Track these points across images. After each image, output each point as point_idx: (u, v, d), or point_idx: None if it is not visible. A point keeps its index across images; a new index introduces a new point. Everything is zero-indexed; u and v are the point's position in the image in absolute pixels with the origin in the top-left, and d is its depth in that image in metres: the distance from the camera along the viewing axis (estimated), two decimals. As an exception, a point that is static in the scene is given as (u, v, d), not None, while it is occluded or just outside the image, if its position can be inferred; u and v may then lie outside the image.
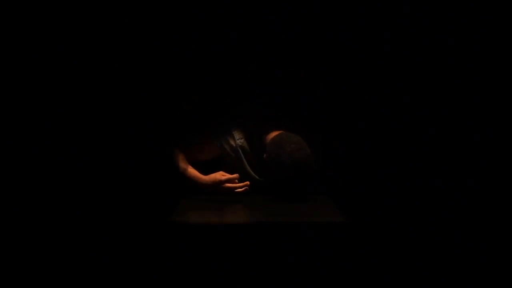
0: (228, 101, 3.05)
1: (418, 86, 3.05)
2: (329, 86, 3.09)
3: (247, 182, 2.92)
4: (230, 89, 3.07)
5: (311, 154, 2.86)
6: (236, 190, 2.90)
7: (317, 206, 2.85)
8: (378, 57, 3.05)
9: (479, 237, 2.92)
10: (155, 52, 2.99)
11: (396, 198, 3.05)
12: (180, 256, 2.47)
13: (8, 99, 2.91)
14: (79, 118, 2.95)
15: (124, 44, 2.96)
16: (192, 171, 2.94)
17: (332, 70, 3.08)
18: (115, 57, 2.96)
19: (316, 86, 3.10)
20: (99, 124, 2.97)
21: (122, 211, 2.93)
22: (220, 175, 2.91)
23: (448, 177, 3.04)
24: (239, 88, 3.07)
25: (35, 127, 2.92)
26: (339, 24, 3.02)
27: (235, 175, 2.91)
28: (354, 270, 2.57)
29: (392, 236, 2.93)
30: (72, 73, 2.94)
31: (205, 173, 2.94)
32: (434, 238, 2.93)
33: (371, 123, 3.09)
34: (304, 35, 3.04)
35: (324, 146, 3.08)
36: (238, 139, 2.99)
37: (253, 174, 2.99)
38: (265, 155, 2.90)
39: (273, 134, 2.96)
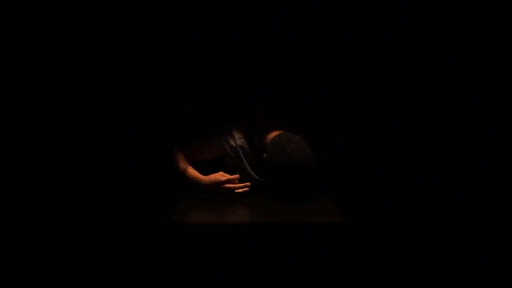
0: (228, 101, 3.05)
1: (418, 86, 3.05)
2: (329, 86, 3.09)
3: (248, 183, 2.92)
4: (230, 89, 3.07)
5: (311, 154, 2.86)
6: (236, 191, 2.90)
7: (317, 206, 2.86)
8: (378, 57, 3.05)
9: (479, 237, 2.92)
10: (155, 52, 2.99)
11: (396, 198, 3.05)
12: (180, 256, 2.47)
13: (8, 99, 2.90)
14: (79, 118, 2.95)
15: (124, 44, 2.96)
16: (192, 171, 2.94)
17: (332, 70, 3.08)
18: (115, 57, 2.96)
19: (316, 86, 3.10)
20: (99, 124, 2.97)
21: (122, 211, 2.93)
22: (220, 176, 2.91)
23: (448, 177, 3.04)
24: (239, 88, 3.07)
25: (35, 127, 2.92)
26: (339, 24, 3.02)
27: (235, 176, 2.91)
28: (354, 270, 2.57)
29: (392, 236, 2.92)
30: (72, 73, 2.94)
31: (205, 173, 2.94)
32: (434, 238, 2.93)
33: (371, 123, 3.09)
34: (304, 35, 3.04)
35: (324, 146, 3.08)
36: (238, 139, 2.99)
37: (253, 174, 2.99)
38: (265, 155, 2.90)
39: (273, 134, 2.96)
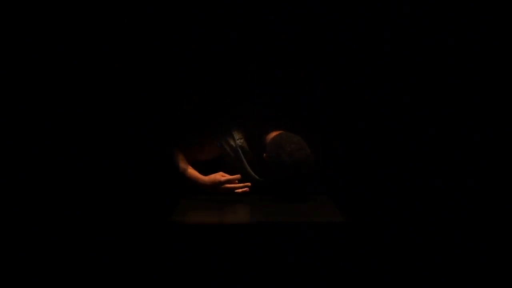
0: (228, 101, 3.05)
1: (418, 86, 3.05)
2: (329, 86, 3.09)
3: (248, 184, 2.92)
4: (230, 89, 3.07)
5: (311, 154, 2.86)
6: (236, 191, 2.90)
7: (317, 206, 2.86)
8: (378, 57, 3.04)
9: (479, 237, 2.92)
10: (155, 52, 2.99)
11: (396, 198, 3.05)
12: (180, 256, 2.47)
13: (8, 99, 2.90)
14: (79, 118, 2.95)
15: (124, 44, 2.96)
16: (192, 171, 2.94)
17: (332, 70, 3.07)
18: (115, 57, 2.96)
19: (316, 86, 3.10)
20: (99, 124, 2.97)
21: (122, 211, 2.93)
22: (220, 176, 2.91)
23: (448, 177, 3.04)
24: (239, 88, 3.07)
25: (35, 127, 2.92)
26: (339, 24, 3.02)
27: (236, 176, 2.91)
28: (354, 270, 2.57)
29: (392, 236, 2.92)
30: (72, 73, 2.94)
31: (205, 173, 2.94)
32: (434, 238, 2.93)
33: (371, 123, 3.09)
34: (304, 35, 3.04)
35: (324, 146, 3.08)
36: (238, 139, 2.99)
37: (253, 174, 2.99)
38: (264, 155, 2.90)
39: (273, 134, 2.96)
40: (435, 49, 3.01)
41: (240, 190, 2.90)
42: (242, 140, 3.00)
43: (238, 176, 2.91)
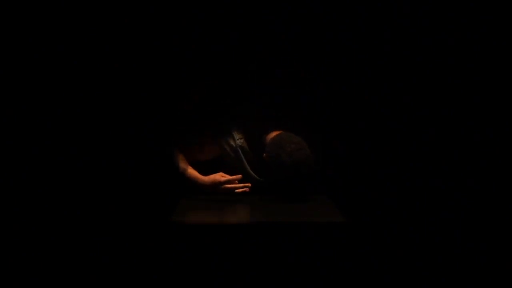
0: (228, 101, 3.05)
1: (418, 86, 3.05)
2: (329, 86, 3.09)
3: (248, 184, 2.92)
4: (230, 89, 3.07)
5: (311, 154, 2.86)
6: (235, 191, 2.90)
7: (317, 206, 2.86)
8: (378, 57, 3.04)
9: (479, 237, 2.92)
10: (155, 52, 2.99)
11: (396, 198, 3.05)
12: (180, 256, 2.47)
13: (8, 99, 2.90)
14: (79, 118, 2.95)
15: (124, 44, 2.96)
16: (191, 171, 2.94)
17: (332, 70, 3.07)
18: (115, 57, 2.96)
19: (316, 86, 3.10)
20: (99, 124, 2.97)
21: (122, 211, 2.93)
22: (220, 176, 2.91)
23: (448, 177, 3.04)
24: (239, 88, 3.07)
25: (35, 127, 2.92)
26: (339, 24, 3.02)
27: (236, 177, 2.90)
28: (354, 270, 2.57)
29: (392, 236, 2.92)
30: (72, 73, 2.94)
31: (205, 173, 2.94)
32: (434, 238, 2.93)
33: (371, 123, 3.09)
34: (304, 35, 3.04)
35: (324, 146, 3.08)
36: (238, 139, 2.99)
37: (253, 174, 2.99)
38: (264, 154, 2.90)
39: (273, 134, 2.96)
40: (435, 49, 3.01)
41: (240, 190, 2.90)
42: (242, 140, 3.00)
43: (239, 176, 2.91)
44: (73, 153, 2.95)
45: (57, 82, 2.94)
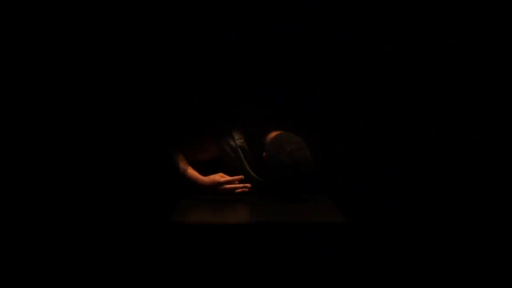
0: (228, 101, 3.05)
1: (418, 86, 3.05)
2: (329, 86, 3.09)
3: (248, 184, 2.92)
4: (230, 89, 3.07)
5: (311, 154, 2.86)
6: (235, 191, 2.90)
7: (317, 206, 2.85)
8: (378, 57, 3.05)
9: (479, 237, 2.92)
10: (155, 52, 2.99)
11: (396, 198, 3.05)
12: (180, 256, 2.47)
13: (8, 99, 2.91)
14: (79, 118, 2.95)
15: (124, 44, 2.96)
16: (191, 171, 2.94)
17: (332, 70, 3.08)
18: (115, 57, 2.96)
19: (316, 86, 3.10)
20: (99, 124, 2.97)
21: (122, 211, 2.93)
22: (219, 177, 2.91)
23: (448, 177, 3.04)
24: (239, 88, 3.07)
25: (35, 127, 2.92)
26: (339, 24, 3.02)
27: (236, 177, 2.90)
28: (354, 270, 2.57)
29: (392, 236, 2.93)
30: (72, 73, 2.94)
31: (205, 173, 2.94)
32: (434, 238, 2.93)
33: (371, 123, 3.09)
34: (304, 35, 3.04)
35: (324, 146, 3.08)
36: (237, 139, 2.99)
37: (253, 174, 2.99)
38: (264, 154, 2.90)
39: (273, 134, 2.96)
40: (435, 49, 3.01)
41: (239, 190, 2.90)
42: (242, 140, 3.00)
43: (240, 177, 2.91)
44: (74, 153, 2.95)
45: (57, 82, 2.94)
